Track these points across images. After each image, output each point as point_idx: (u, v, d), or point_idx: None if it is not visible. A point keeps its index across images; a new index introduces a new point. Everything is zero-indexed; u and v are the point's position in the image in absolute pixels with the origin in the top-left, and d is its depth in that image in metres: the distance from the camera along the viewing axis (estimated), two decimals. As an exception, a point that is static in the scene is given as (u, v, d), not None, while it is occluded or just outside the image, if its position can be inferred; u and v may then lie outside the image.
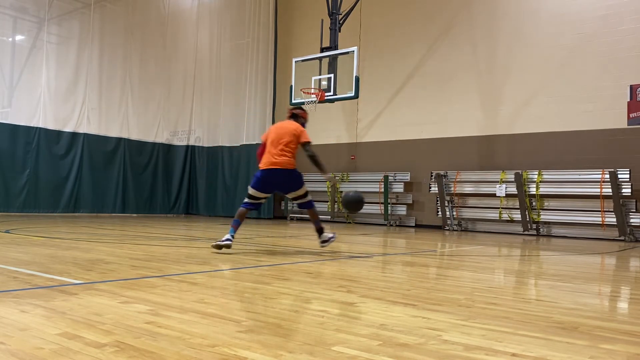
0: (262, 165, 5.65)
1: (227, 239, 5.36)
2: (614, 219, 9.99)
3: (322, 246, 5.94)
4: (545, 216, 10.94)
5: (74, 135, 13.54)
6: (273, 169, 5.56)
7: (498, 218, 11.46)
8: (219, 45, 16.30)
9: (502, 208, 11.39)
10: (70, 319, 2.38)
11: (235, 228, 5.53)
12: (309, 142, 5.75)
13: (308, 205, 5.86)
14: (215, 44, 16.36)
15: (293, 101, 11.48)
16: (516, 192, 10.98)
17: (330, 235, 5.95)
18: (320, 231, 5.90)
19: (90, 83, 13.88)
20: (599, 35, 10.77)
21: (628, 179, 9.91)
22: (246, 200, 5.75)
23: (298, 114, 5.99)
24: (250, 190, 5.71)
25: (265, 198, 5.81)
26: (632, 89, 10.32)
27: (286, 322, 2.49)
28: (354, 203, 6.28)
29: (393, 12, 13.71)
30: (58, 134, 13.25)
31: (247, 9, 15.71)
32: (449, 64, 12.70)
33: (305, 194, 5.82)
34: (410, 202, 13.04)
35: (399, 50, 13.52)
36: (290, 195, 5.82)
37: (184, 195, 16.13)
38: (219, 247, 5.34)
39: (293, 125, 5.77)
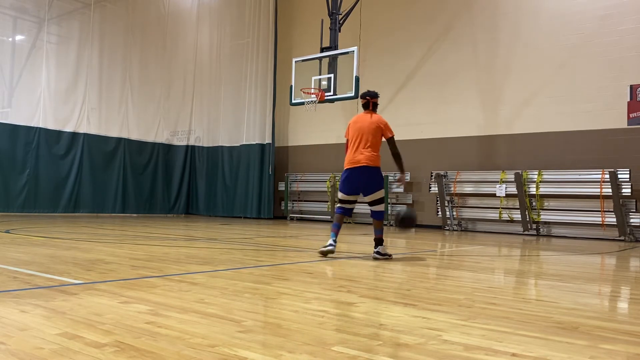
0: (346, 164, 5.47)
1: (330, 244, 5.36)
2: (614, 219, 9.98)
3: (375, 257, 5.37)
4: (545, 216, 10.94)
5: (74, 135, 13.53)
6: (358, 167, 5.37)
7: (498, 218, 11.45)
8: (219, 45, 16.30)
9: (502, 208, 11.38)
10: (70, 319, 2.38)
11: (336, 232, 5.47)
12: (393, 137, 5.48)
13: (381, 216, 5.50)
14: (215, 44, 16.36)
15: (293, 101, 11.48)
16: (516, 192, 10.98)
17: (389, 253, 5.43)
18: (380, 242, 5.42)
19: (90, 83, 13.87)
20: (599, 35, 10.76)
21: (628, 179, 9.91)
22: (338, 205, 5.66)
23: (375, 102, 5.58)
24: (339, 195, 5.61)
25: (354, 201, 5.60)
26: (632, 89, 10.31)
27: (286, 322, 2.49)
28: (409, 220, 5.76)
29: (393, 12, 13.71)
30: (58, 134, 13.25)
31: (247, 8, 15.71)
32: (449, 64, 12.69)
33: (382, 199, 5.49)
34: (410, 202, 13.03)
35: (399, 50, 13.52)
36: (368, 199, 5.50)
37: (184, 195, 16.13)
38: (324, 253, 5.35)
39: (375, 117, 5.46)
